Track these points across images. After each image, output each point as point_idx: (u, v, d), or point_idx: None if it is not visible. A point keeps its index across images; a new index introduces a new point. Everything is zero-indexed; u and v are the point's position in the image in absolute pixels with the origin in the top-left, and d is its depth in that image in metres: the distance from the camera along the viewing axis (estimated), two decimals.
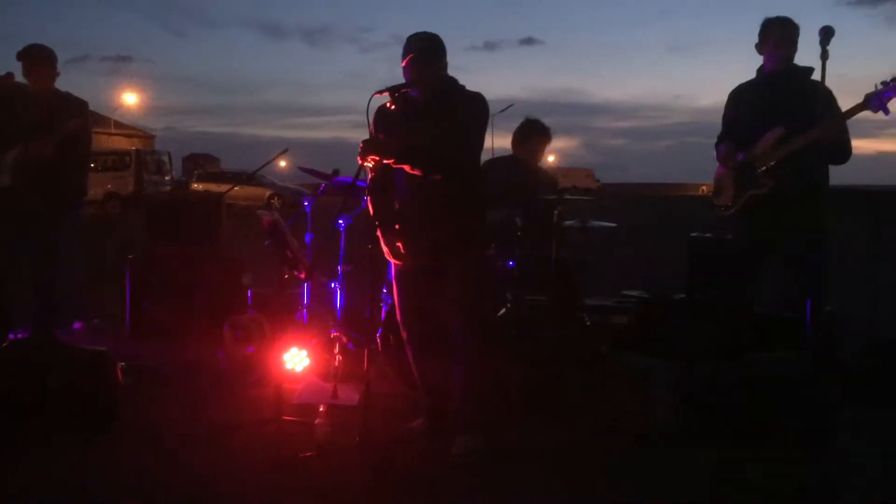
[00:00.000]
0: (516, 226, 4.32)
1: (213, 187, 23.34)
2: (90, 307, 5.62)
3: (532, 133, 4.92)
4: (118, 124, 46.01)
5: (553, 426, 3.77)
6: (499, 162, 5.08)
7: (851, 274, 4.87)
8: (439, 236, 3.36)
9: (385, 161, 3.25)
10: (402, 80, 3.32)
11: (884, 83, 3.49)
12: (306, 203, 4.90)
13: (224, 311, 4.85)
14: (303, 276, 4.12)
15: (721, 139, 4.21)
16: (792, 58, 3.91)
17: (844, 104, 3.73)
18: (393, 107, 3.31)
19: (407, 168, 3.26)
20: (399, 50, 3.34)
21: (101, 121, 41.12)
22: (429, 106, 3.33)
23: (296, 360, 4.21)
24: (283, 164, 36.10)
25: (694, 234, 5.41)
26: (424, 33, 3.34)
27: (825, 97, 3.65)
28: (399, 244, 3.43)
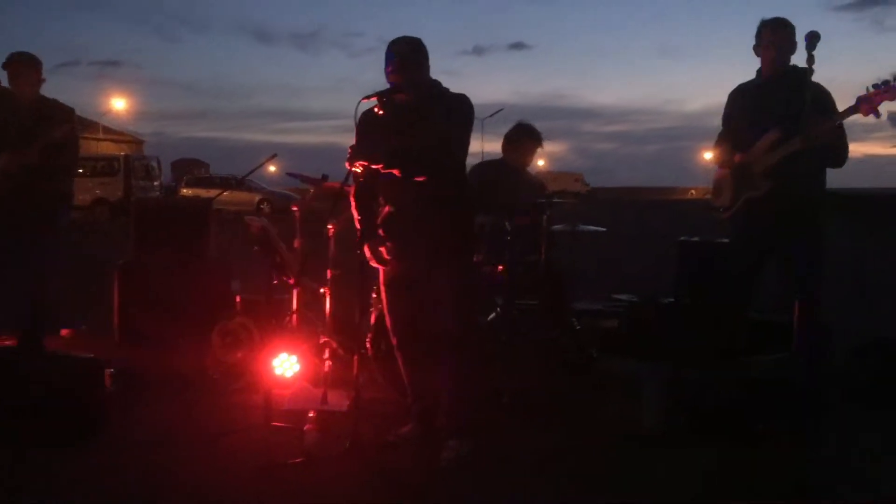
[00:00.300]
0: (505, 230, 4.32)
1: (202, 192, 23.27)
2: (78, 313, 5.59)
3: (523, 137, 4.91)
4: (107, 129, 45.81)
5: (543, 430, 3.76)
6: (487, 166, 5.07)
7: (842, 275, 4.89)
8: (428, 241, 3.35)
9: (373, 166, 3.24)
10: (389, 86, 3.29)
11: (875, 86, 3.47)
12: (295, 208, 4.88)
13: (213, 316, 4.80)
14: (292, 281, 4.10)
15: (721, 139, 4.18)
16: (789, 59, 3.88)
17: None
18: (381, 112, 3.30)
19: (396, 173, 3.25)
20: None
21: (90, 126, 40.95)
22: (416, 110, 3.32)
23: (285, 365, 4.20)
24: (272, 168, 35.97)
25: (683, 238, 5.42)
26: (407, 37, 3.32)
27: (822, 98, 3.66)
28: (382, 249, 3.42)
